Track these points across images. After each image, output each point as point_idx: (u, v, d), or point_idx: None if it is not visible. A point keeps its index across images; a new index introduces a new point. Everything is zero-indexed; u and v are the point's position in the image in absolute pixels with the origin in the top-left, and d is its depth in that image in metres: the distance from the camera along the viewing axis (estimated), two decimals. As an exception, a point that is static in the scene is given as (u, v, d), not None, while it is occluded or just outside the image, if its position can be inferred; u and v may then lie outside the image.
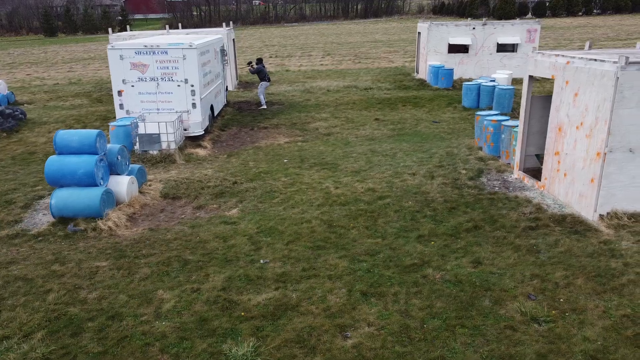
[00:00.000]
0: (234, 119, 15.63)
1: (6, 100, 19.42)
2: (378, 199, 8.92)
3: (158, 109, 12.57)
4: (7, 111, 15.24)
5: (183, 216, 8.70)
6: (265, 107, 17.22)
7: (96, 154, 8.61)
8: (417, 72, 22.86)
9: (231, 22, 22.82)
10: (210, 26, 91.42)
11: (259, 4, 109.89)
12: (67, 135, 8.61)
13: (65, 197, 8.30)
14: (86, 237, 7.81)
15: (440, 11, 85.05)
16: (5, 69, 34.15)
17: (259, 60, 17.53)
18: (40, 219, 8.57)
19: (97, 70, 30.44)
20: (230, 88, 20.52)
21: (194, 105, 12.58)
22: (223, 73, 16.58)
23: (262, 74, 17.33)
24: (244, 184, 9.95)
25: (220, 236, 7.68)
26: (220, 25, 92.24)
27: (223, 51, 16.34)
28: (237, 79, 22.45)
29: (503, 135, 10.76)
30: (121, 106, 12.59)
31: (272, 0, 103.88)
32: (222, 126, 14.64)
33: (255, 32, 68.11)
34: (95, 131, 8.64)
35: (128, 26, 24.00)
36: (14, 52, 48.86)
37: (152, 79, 12.37)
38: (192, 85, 12.43)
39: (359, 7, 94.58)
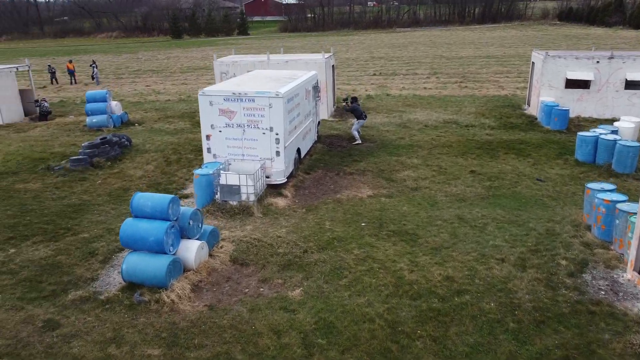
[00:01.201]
0: (322, 159, 15.26)
1: (120, 121, 20.89)
2: (455, 295, 7.99)
3: (243, 155, 12.57)
4: (114, 139, 16.24)
5: (247, 290, 8.45)
6: (360, 142, 16.72)
7: (168, 220, 8.67)
8: (528, 105, 20.89)
9: (332, 48, 22.51)
10: (323, 30, 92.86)
11: (373, 5, 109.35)
12: (143, 200, 8.75)
13: (135, 264, 8.43)
14: (148, 311, 7.84)
15: (567, 17, 78.27)
16: (130, 78, 37.11)
17: (354, 99, 17.07)
18: (114, 279, 8.80)
19: (208, 83, 31.87)
20: (325, 117, 20.25)
21: (277, 153, 12.39)
22: (315, 109, 16.30)
23: (357, 112, 16.84)
24: (314, 253, 9.49)
25: (275, 329, 7.28)
26: (333, 29, 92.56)
27: (316, 88, 16.04)
28: (334, 105, 22.14)
29: (617, 221, 9.19)
30: (209, 150, 12.77)
31: (386, 1, 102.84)
32: (307, 169, 14.34)
33: (365, 38, 67.68)
34: (168, 197, 8.68)
35: (233, 50, 24.68)
36: (142, 57, 53.09)
37: (239, 126, 12.37)
38: (277, 134, 12.24)
39: (476, 11, 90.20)
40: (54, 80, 34.95)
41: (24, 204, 12.37)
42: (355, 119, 17.17)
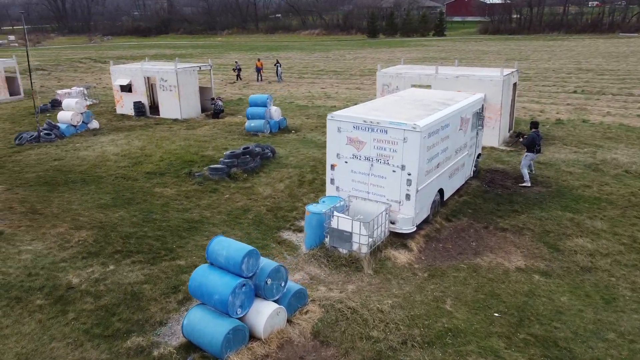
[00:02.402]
0: (473, 202, 12.53)
1: (277, 126, 20.70)
2: None
3: (368, 193, 10.72)
4: (257, 150, 15.76)
5: (314, 384, 6.70)
6: (529, 184, 13.50)
7: (241, 276, 7.34)
8: None
9: (516, 63, 19.03)
10: (528, 33, 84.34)
11: (595, 5, 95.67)
12: (218, 247, 7.59)
13: (196, 322, 7.30)
14: (192, 387, 6.62)
15: None
16: (311, 78, 37.72)
17: (534, 125, 13.89)
18: (178, 330, 7.81)
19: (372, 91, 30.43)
20: (495, 144, 17.12)
21: (407, 196, 10.25)
22: (476, 139, 13.54)
23: (532, 143, 13.60)
24: (415, 348, 7.25)
25: None
26: (540, 32, 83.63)
27: (479, 114, 13.27)
28: (509, 131, 18.72)
29: None
30: (332, 181, 11.23)
31: (611, 1, 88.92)
32: (450, 214, 11.83)
33: (576, 44, 59.11)
34: (245, 250, 7.34)
35: (402, 59, 22.65)
36: (331, 57, 54.19)
37: (367, 159, 10.54)
38: (409, 174, 10.09)
39: None
40: (238, 77, 37.27)
41: (151, 211, 12.40)
42: (526, 151, 13.90)
